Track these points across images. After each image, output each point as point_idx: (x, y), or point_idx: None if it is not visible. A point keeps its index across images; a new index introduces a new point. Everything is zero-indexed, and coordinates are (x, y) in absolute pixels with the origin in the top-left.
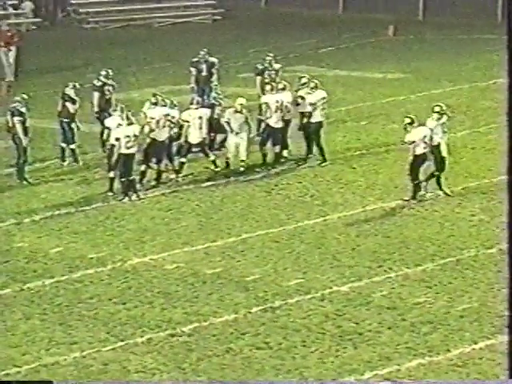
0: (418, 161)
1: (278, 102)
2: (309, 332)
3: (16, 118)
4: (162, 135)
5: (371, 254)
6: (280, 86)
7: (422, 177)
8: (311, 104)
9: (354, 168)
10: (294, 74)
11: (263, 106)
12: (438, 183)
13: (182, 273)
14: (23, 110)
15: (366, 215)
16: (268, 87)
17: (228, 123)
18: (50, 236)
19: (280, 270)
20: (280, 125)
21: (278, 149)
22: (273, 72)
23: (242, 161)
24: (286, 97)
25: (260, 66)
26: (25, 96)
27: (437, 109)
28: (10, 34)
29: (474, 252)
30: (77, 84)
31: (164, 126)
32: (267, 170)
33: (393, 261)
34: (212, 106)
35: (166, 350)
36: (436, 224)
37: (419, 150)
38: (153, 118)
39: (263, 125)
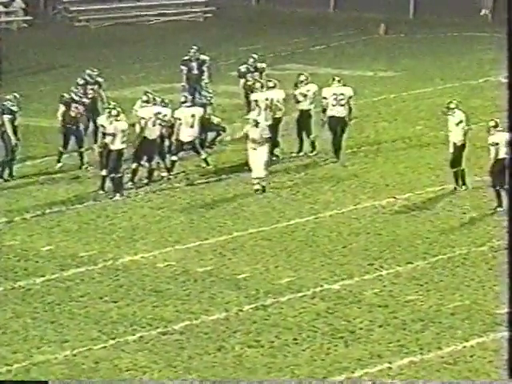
0: (499, 165)
1: (267, 99)
2: (300, 330)
3: (6, 116)
4: (153, 134)
5: (362, 252)
6: (270, 84)
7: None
8: (324, 98)
9: (346, 166)
10: (285, 72)
11: (252, 104)
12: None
13: (174, 271)
14: (14, 108)
15: (357, 213)
16: (258, 85)
17: (247, 137)
18: (41, 234)
19: (271, 268)
20: (270, 122)
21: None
22: (256, 74)
23: (260, 178)
24: (276, 94)
25: (243, 69)
26: (16, 95)
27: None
28: None
29: (465, 250)
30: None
31: (155, 125)
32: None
33: (384, 259)
34: (203, 106)
35: (157, 348)
36: (427, 222)
37: (502, 154)
38: (143, 118)
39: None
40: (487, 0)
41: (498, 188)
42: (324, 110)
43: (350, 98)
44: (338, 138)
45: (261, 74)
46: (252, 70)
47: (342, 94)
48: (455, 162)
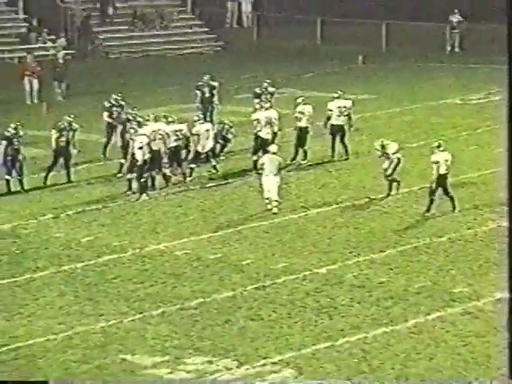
0: (441, 180)
1: (267, 117)
2: (293, 306)
3: (54, 132)
4: (156, 146)
5: (344, 243)
6: (267, 105)
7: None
8: (329, 110)
9: (330, 172)
10: (280, 96)
11: (254, 122)
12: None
13: (189, 258)
14: (63, 126)
15: (339, 210)
16: (257, 106)
17: (263, 166)
18: (81, 228)
19: (269, 256)
20: (269, 136)
21: None
22: (269, 95)
23: (276, 201)
24: (272, 114)
25: (258, 91)
26: (71, 120)
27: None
28: (34, 65)
29: (427, 240)
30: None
31: (154, 139)
32: (258, 173)
33: (361, 248)
34: (224, 145)
35: (176, 321)
36: (397, 217)
37: (442, 171)
38: (144, 134)
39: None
40: (451, 36)
41: (432, 197)
42: (328, 119)
43: (350, 108)
44: (338, 142)
45: (271, 96)
46: (266, 92)
47: (345, 107)
48: (393, 173)
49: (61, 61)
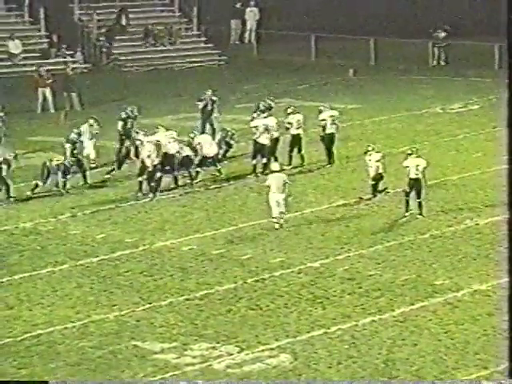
0: (411, 183)
1: (264, 125)
2: (289, 297)
3: (68, 145)
4: (171, 150)
5: (335, 239)
6: (265, 113)
7: (412, 197)
8: (323, 120)
9: (323, 174)
10: (279, 105)
11: (253, 129)
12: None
13: (195, 253)
14: (75, 139)
15: (331, 210)
16: (255, 114)
17: (269, 186)
18: (96, 226)
19: (268, 251)
20: (267, 142)
21: (265, 160)
22: (268, 109)
23: (282, 212)
24: (270, 121)
25: (262, 107)
26: (81, 130)
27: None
28: (47, 77)
29: (412, 237)
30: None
31: (169, 142)
32: (257, 176)
33: (352, 243)
34: (228, 145)
35: (183, 311)
36: (384, 216)
37: (412, 175)
38: (151, 142)
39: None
40: (433, 52)
41: (407, 199)
42: (324, 129)
43: (337, 118)
44: (331, 148)
45: (269, 109)
46: (267, 107)
47: (334, 116)
48: (377, 178)
49: (70, 72)
